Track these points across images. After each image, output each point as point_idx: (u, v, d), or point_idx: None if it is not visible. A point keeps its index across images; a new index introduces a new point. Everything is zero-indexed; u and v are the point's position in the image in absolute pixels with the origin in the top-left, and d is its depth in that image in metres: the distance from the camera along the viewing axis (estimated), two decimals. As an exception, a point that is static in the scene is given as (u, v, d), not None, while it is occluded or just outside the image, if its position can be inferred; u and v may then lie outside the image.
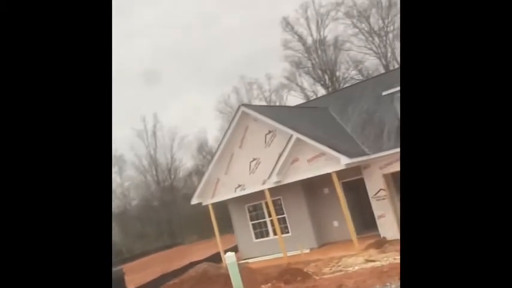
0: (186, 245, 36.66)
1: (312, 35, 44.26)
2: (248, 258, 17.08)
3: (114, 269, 21.55)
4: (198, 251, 29.89)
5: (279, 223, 16.66)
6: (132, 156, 51.37)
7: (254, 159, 15.83)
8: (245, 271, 12.21)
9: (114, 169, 50.51)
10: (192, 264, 17.51)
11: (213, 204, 17.19)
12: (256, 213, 17.54)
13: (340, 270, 11.55)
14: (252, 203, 17.39)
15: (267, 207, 17.10)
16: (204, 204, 17.37)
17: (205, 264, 12.67)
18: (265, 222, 17.27)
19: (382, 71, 37.73)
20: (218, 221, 16.45)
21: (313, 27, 44.04)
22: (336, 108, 18.99)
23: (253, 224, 17.61)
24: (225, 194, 16.72)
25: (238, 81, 51.36)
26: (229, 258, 7.51)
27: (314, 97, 45.37)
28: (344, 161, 13.44)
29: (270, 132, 15.44)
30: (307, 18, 43.93)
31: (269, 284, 11.11)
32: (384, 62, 40.99)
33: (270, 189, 15.46)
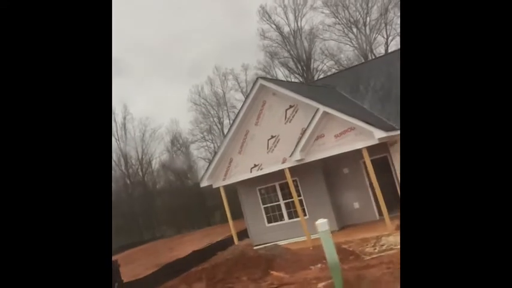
0: (167, 238, 34.72)
1: (289, 25, 43.42)
2: (260, 244, 15.78)
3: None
4: (184, 244, 28.34)
5: (295, 205, 15.50)
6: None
7: (272, 137, 14.53)
8: (286, 252, 10.95)
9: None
10: (211, 250, 16.14)
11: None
12: (268, 196, 16.25)
13: (391, 249, 10.54)
14: (264, 185, 16.11)
15: (281, 189, 15.89)
16: (214, 186, 15.86)
17: (241, 246, 11.30)
18: (278, 206, 16.03)
19: (361, 61, 37.42)
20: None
21: (291, 16, 43.22)
22: (345, 87, 18.06)
23: (265, 208, 16.32)
24: (238, 175, 15.30)
25: (213, 71, 49.54)
26: (322, 225, 6.20)
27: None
28: (378, 135, 12.45)
29: (291, 107, 14.19)
30: (284, 7, 43.03)
31: (319, 265, 9.90)
32: (362, 53, 40.77)
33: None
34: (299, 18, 42.94)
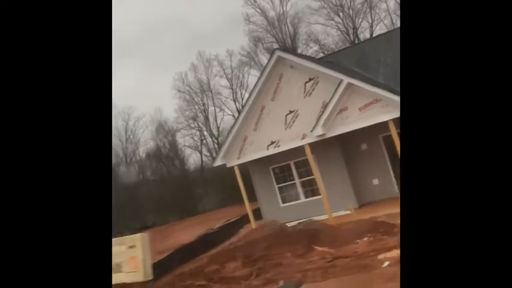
0: (162, 226, 33.62)
1: (274, 9, 42.53)
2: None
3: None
4: (178, 231, 27.37)
5: (312, 184, 14.85)
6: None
7: (290, 112, 13.76)
8: (325, 227, 10.28)
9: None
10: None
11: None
12: (283, 175, 15.52)
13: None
14: (278, 164, 15.36)
15: (296, 167, 15.21)
16: (228, 165, 14.99)
17: (278, 222, 10.55)
18: (293, 185, 15.33)
19: (347, 45, 36.99)
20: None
21: (276, 1, 42.31)
22: (351, 63, 17.43)
23: (279, 188, 15.60)
24: (254, 153, 14.48)
25: (196, 58, 48.00)
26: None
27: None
28: (407, 106, 11.87)
29: (310, 79, 13.44)
30: (269, -9, 42.04)
31: (366, 238, 9.28)
32: (348, 38, 40.41)
33: (301, 148, 13.56)
34: (284, 2, 42.14)
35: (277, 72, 13.88)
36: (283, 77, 13.83)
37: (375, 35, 36.07)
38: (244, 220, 19.71)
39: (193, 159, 45.10)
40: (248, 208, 15.01)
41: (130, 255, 4.73)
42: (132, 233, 25.75)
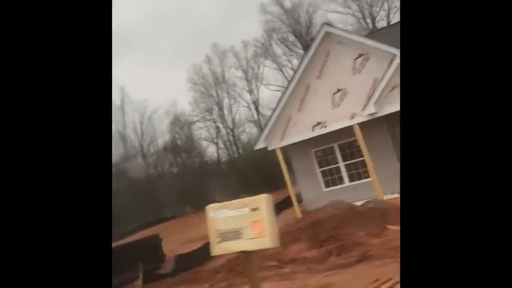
0: (178, 218, 33.06)
1: (290, -1, 41.69)
2: (318, 211, 14.39)
3: (150, 236, 18.18)
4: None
5: (357, 167, 14.14)
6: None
7: (338, 90, 13.01)
8: (394, 207, 9.57)
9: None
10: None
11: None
12: (326, 158, 14.81)
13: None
14: (321, 147, 14.64)
15: (341, 150, 14.49)
16: (270, 148, 14.28)
17: (344, 201, 9.86)
18: (337, 168, 14.61)
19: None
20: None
21: (292, -10, 41.45)
22: (392, 43, 16.64)
23: (322, 172, 14.88)
24: (298, 135, 13.75)
25: (211, 49, 47.08)
26: None
27: (288, 66, 43.29)
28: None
29: (360, 55, 12.68)
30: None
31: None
32: (365, 26, 39.55)
33: (347, 129, 12.84)
34: (300, -9, 41.25)
35: (324, 48, 13.12)
36: (330, 54, 13.06)
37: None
38: (281, 206, 19.07)
39: (210, 151, 44.50)
40: (292, 192, 14.33)
41: (253, 219, 4.07)
42: (152, 225, 25.06)
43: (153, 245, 16.39)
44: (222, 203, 4.45)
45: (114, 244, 19.04)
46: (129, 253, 14.54)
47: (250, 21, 58.42)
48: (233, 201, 4.32)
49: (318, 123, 13.38)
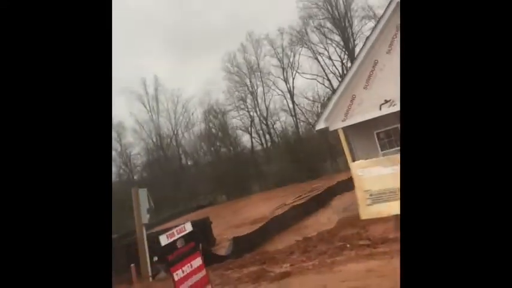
0: (216, 205, 32.75)
1: (327, -15, 40.48)
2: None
3: (200, 219, 17.83)
4: (248, 206, 26.31)
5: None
6: (133, 122, 45.83)
7: (409, 66, 12.10)
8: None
9: (113, 136, 45.21)
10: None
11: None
12: (389, 140, 13.91)
13: None
14: (384, 128, 13.75)
15: (406, 131, 13.56)
16: (331, 129, 13.47)
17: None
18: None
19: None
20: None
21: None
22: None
23: (384, 155, 14.00)
24: (363, 114, 12.86)
25: (246, 38, 46.42)
26: None
27: (325, 54, 42.13)
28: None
29: (435, 28, 11.72)
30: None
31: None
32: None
33: None
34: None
35: (395, 21, 12.20)
36: (401, 27, 12.13)
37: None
38: (331, 191, 18.38)
39: (244, 140, 44.00)
40: (353, 170, 13.51)
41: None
42: (190, 212, 24.67)
43: (204, 228, 15.96)
44: (370, 160, 3.82)
45: (162, 227, 18.83)
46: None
47: (286, 8, 57.16)
48: (386, 157, 3.66)
49: (386, 102, 12.45)
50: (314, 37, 41.92)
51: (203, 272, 5.73)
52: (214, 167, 39.59)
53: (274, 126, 43.10)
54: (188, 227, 5.81)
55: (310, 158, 35.06)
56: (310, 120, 41.59)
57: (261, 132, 43.36)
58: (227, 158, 40.75)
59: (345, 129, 13.97)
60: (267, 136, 43.15)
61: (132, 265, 9.93)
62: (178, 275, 5.29)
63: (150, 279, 9.93)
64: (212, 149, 43.17)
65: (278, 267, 8.03)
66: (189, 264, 5.53)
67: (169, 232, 5.47)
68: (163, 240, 5.31)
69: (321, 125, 13.55)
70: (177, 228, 5.64)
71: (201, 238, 14.93)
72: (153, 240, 13.63)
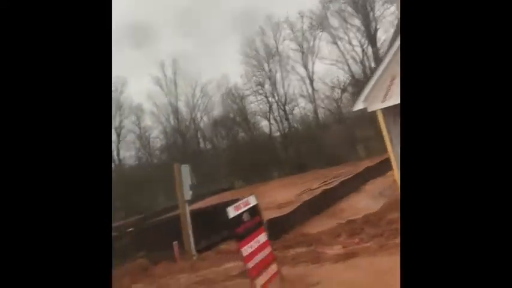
0: (238, 189, 32.62)
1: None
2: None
3: (230, 200, 17.74)
4: (270, 191, 26.12)
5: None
6: (151, 105, 45.65)
7: (455, 45, 11.57)
8: None
9: (132, 119, 45.18)
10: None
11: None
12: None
13: None
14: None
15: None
16: (370, 110, 13.04)
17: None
18: (440, 134, 13.23)
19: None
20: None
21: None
22: None
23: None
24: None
25: (265, 21, 45.61)
26: None
27: (345, 39, 41.32)
28: None
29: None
30: None
31: None
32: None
33: None
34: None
35: None
36: (447, 4, 11.59)
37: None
38: (362, 177, 18.05)
39: (262, 125, 43.63)
40: (393, 159, 13.13)
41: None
42: (211, 195, 24.60)
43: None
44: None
45: (191, 208, 18.76)
46: (210, 217, 14.01)
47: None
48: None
49: (428, 82, 12.01)
50: (334, 21, 41.10)
51: (269, 249, 5.47)
52: (232, 151, 39.40)
53: (293, 112, 42.61)
54: (252, 200, 5.52)
55: (329, 144, 34.65)
56: (329, 107, 41.04)
57: (278, 118, 42.94)
58: (245, 143, 40.51)
59: (379, 111, 13.54)
60: (285, 122, 42.72)
61: (174, 242, 9.77)
62: (246, 250, 5.02)
63: (194, 257, 9.73)
64: (230, 133, 42.91)
65: (328, 248, 7.78)
66: (256, 239, 5.26)
67: (236, 204, 5.19)
68: (231, 212, 5.04)
69: (359, 106, 13.15)
70: (242, 201, 5.36)
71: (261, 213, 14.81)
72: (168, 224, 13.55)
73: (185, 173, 10.70)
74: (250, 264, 4.94)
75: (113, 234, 14.81)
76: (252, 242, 5.15)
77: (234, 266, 7.60)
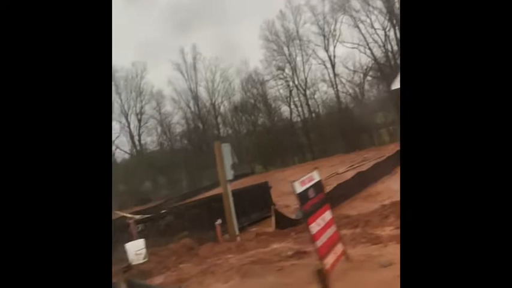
0: (259, 174, 32.49)
1: None
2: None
3: (259, 183, 17.64)
4: (295, 175, 25.89)
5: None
6: (171, 91, 45.53)
7: None
8: None
9: (153, 105, 45.22)
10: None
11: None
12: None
13: None
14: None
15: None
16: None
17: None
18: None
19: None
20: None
21: None
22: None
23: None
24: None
25: (285, 5, 44.75)
26: None
27: (367, 22, 40.37)
28: None
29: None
30: None
31: None
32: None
33: None
34: None
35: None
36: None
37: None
38: (393, 160, 17.65)
39: (282, 111, 43.21)
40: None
41: None
42: (233, 180, 24.18)
43: (263, 192, 15.67)
44: None
45: (217, 192, 18.63)
46: (240, 199, 13.85)
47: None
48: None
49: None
50: (356, 4, 40.10)
51: (334, 227, 5.20)
52: (253, 136, 39.20)
53: (315, 97, 42.07)
54: (316, 176, 5.24)
55: (351, 129, 34.15)
56: (351, 91, 40.38)
57: (299, 103, 42.47)
58: (265, 128, 40.24)
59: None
60: (306, 107, 42.23)
61: (217, 222, 9.60)
62: (314, 228, 4.75)
63: (238, 238, 9.56)
64: (250, 118, 42.67)
65: (379, 230, 7.49)
66: (322, 217, 4.99)
67: (302, 179, 4.92)
68: (297, 187, 4.77)
69: (397, 85, 12.76)
70: (307, 176, 5.09)
71: (258, 203, 14.66)
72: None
73: (226, 152, 10.43)
74: (319, 243, 4.68)
75: (152, 214, 14.78)
76: (318, 220, 4.88)
77: (282, 247, 7.41)
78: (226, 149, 10.33)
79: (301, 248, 6.59)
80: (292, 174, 27.31)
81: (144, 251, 9.48)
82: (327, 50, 41.36)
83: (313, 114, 41.64)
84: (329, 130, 35.25)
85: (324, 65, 41.50)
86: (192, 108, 45.03)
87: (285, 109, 43.03)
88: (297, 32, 42.61)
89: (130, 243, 9.83)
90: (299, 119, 42.54)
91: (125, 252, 9.92)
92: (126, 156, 45.31)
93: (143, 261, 9.28)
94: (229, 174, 10.30)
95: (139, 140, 45.00)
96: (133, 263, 9.22)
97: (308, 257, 5.87)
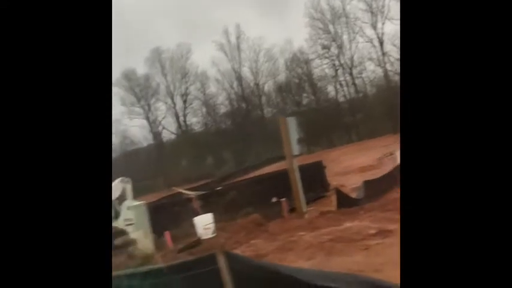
0: (307, 154, 32.40)
1: None
2: None
3: (314, 162, 17.61)
4: (344, 156, 25.75)
5: None
6: (215, 72, 45.83)
7: None
8: None
9: (197, 86, 45.76)
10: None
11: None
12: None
13: None
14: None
15: None
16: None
17: None
18: None
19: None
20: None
21: None
22: None
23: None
24: None
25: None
26: None
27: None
28: None
29: None
30: None
31: None
32: None
33: None
34: None
35: None
36: None
37: None
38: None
39: (328, 91, 42.56)
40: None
41: None
42: (280, 160, 23.90)
43: (317, 172, 15.58)
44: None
45: (271, 170, 18.70)
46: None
47: None
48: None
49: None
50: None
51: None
52: (298, 116, 38.98)
53: (362, 76, 41.06)
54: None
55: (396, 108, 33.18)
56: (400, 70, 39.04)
57: (344, 82, 41.63)
58: (311, 108, 39.84)
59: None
60: (352, 87, 41.35)
61: (282, 199, 9.63)
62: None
63: (306, 215, 9.59)
64: (295, 98, 42.35)
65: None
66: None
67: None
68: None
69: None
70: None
71: (312, 182, 14.59)
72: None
73: (292, 127, 10.29)
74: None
75: (217, 189, 15.07)
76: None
77: (357, 226, 7.32)
78: (292, 123, 10.19)
79: (383, 227, 6.48)
80: (341, 155, 27.04)
81: (212, 225, 9.57)
82: (374, 28, 40.06)
83: (360, 94, 40.78)
84: (377, 110, 34.39)
85: (372, 43, 40.29)
86: (236, 89, 45.25)
87: (330, 89, 42.41)
88: (344, 9, 41.45)
89: (198, 217, 9.98)
90: (345, 99, 41.84)
91: (190, 226, 10.18)
92: (172, 136, 46.50)
93: (212, 235, 9.52)
94: (296, 149, 10.18)
95: (184, 121, 45.92)
96: (202, 238, 9.47)
97: (393, 236, 5.87)
